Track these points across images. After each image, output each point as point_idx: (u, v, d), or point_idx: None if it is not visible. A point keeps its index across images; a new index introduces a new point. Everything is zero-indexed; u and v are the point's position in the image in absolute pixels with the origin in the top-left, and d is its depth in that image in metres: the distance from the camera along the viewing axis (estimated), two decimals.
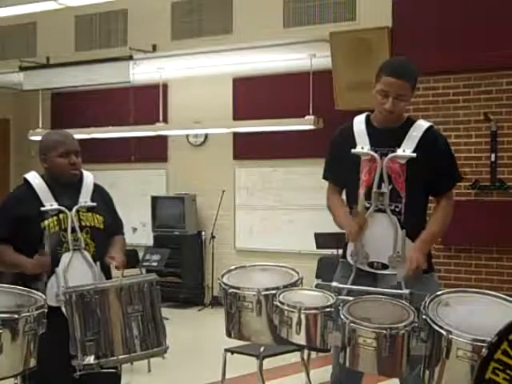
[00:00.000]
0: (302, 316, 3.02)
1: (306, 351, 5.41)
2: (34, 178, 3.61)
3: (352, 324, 2.89)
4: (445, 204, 3.54)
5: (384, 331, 2.82)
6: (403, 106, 3.43)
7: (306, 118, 8.54)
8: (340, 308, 2.99)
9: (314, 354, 5.97)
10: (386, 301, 3.06)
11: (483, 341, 2.62)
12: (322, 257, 8.08)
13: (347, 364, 2.96)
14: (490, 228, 7.10)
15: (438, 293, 2.95)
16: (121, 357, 3.13)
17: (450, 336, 2.70)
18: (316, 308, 3.04)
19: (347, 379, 3.46)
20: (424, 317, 2.82)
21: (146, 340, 3.17)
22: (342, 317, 2.94)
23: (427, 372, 2.82)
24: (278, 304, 3.09)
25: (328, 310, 3.03)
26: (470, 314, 2.83)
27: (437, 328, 2.75)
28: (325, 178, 3.70)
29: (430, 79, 7.41)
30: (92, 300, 3.12)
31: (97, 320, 3.12)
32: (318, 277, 7.79)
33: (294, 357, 5.42)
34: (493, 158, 7.15)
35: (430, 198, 3.60)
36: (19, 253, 3.52)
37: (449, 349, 2.70)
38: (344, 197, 3.64)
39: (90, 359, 3.08)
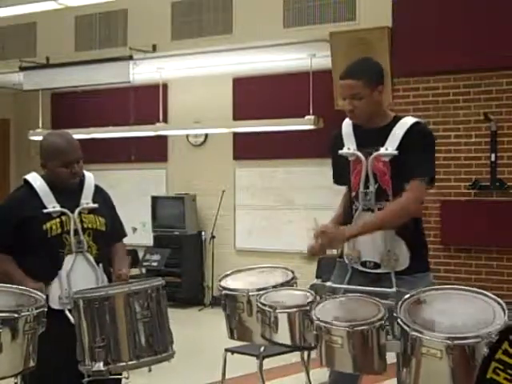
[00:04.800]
0: (279, 315, 3.06)
1: (306, 351, 5.40)
2: (35, 179, 3.58)
3: (318, 322, 2.92)
4: (402, 197, 3.34)
5: (348, 328, 2.85)
6: (363, 104, 3.41)
7: (306, 117, 8.53)
8: (312, 307, 3.01)
9: (314, 354, 5.96)
10: (361, 299, 3.08)
11: (449, 338, 2.65)
12: (322, 257, 8.07)
13: (324, 363, 2.98)
14: (490, 228, 7.10)
15: (418, 290, 2.97)
16: (130, 363, 3.11)
17: (413, 333, 2.73)
18: (292, 307, 3.07)
19: (345, 379, 3.46)
20: (395, 314, 2.85)
21: (153, 345, 3.15)
22: (313, 316, 2.96)
23: (404, 369, 2.84)
24: (259, 305, 3.14)
25: (305, 308, 3.05)
26: (443, 311, 2.84)
27: (403, 326, 2.78)
28: (334, 182, 3.74)
29: (429, 79, 7.41)
30: (100, 306, 3.10)
31: (105, 326, 3.10)
32: (318, 277, 7.79)
33: (294, 357, 5.42)
34: (493, 158, 7.14)
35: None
36: (20, 256, 3.51)
37: (414, 346, 2.74)
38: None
39: (100, 366, 3.06)
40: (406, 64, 7.29)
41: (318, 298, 3.13)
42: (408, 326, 2.75)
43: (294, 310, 3.06)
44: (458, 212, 7.20)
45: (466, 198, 7.19)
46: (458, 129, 7.29)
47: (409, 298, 2.92)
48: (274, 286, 3.27)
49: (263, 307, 3.11)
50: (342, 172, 3.56)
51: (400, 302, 2.89)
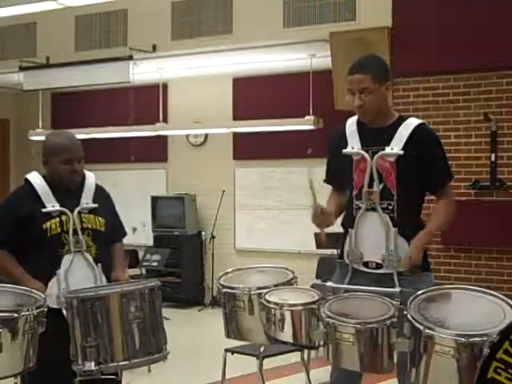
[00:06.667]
0: (285, 313, 3.05)
1: (306, 351, 5.40)
2: (35, 178, 3.59)
3: (329, 319, 2.91)
4: (445, 201, 3.55)
5: (359, 326, 2.85)
6: (372, 99, 3.45)
7: (306, 118, 8.53)
8: (321, 305, 3.01)
9: (313, 354, 5.96)
10: (368, 297, 3.09)
11: (463, 335, 2.64)
12: (322, 257, 8.08)
13: (330, 361, 2.98)
14: (490, 228, 7.09)
15: (424, 290, 2.98)
16: (121, 363, 3.11)
17: (427, 331, 2.72)
18: (298, 305, 3.07)
19: (346, 379, 3.46)
20: (405, 313, 2.84)
21: (146, 346, 3.15)
22: (322, 313, 2.96)
23: (413, 369, 2.83)
24: (264, 302, 3.12)
25: (311, 306, 3.05)
26: (453, 310, 2.85)
27: (416, 324, 2.77)
28: (325, 181, 3.74)
29: (429, 79, 7.41)
30: (93, 306, 3.10)
31: (97, 326, 3.09)
32: (318, 277, 7.79)
33: (294, 357, 5.41)
34: (493, 158, 7.14)
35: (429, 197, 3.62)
36: (19, 254, 3.52)
37: (427, 344, 2.73)
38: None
39: (91, 365, 3.05)
40: (406, 64, 7.28)
41: (323, 296, 3.13)
42: (421, 324, 2.74)
43: (301, 307, 3.05)
44: (457, 212, 7.18)
45: (466, 198, 7.18)
46: (458, 129, 7.29)
47: (418, 296, 2.91)
48: (276, 285, 3.26)
49: (268, 305, 3.10)
50: (341, 171, 3.55)
51: (410, 301, 2.88)
